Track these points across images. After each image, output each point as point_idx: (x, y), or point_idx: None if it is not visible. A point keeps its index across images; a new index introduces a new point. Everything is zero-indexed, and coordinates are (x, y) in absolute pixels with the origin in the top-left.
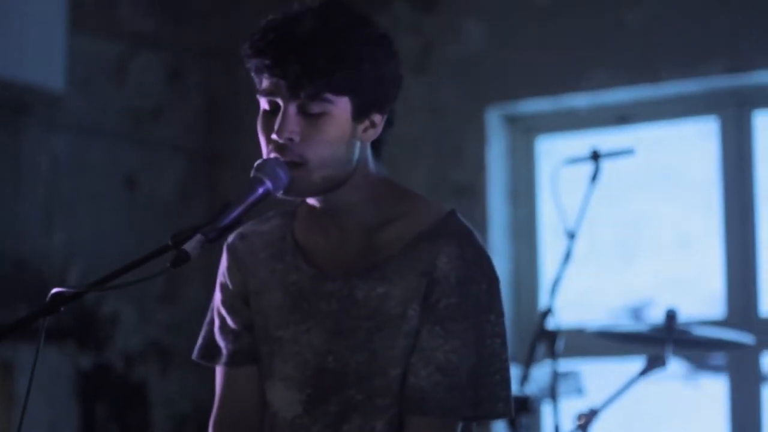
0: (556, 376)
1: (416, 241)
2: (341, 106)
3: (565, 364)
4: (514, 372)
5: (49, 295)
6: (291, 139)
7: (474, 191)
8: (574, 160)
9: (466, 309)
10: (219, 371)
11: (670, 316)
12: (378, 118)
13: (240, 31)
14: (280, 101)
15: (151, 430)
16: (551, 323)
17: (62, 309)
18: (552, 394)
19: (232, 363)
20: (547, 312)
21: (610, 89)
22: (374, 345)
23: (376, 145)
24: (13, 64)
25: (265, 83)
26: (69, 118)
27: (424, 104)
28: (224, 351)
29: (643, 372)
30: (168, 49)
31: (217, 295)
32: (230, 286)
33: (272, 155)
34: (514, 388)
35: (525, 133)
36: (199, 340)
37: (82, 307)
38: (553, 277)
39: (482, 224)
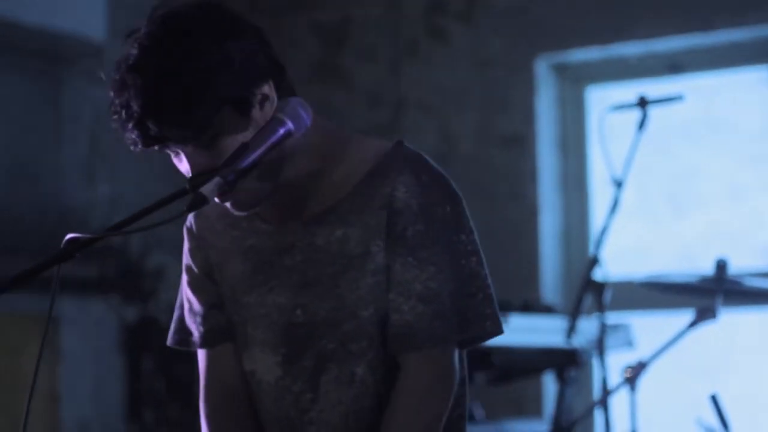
0: (603, 329)
1: (368, 177)
2: (224, 117)
3: (615, 317)
4: (562, 324)
5: (64, 240)
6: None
7: (523, 142)
8: (621, 107)
9: (434, 234)
10: (199, 353)
11: (721, 266)
12: (265, 89)
13: None
14: (173, 149)
15: (197, 383)
16: (598, 274)
17: (78, 255)
18: (600, 346)
19: (206, 343)
20: (594, 262)
21: (660, 37)
22: (340, 290)
23: (287, 94)
24: (52, 13)
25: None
26: (112, 69)
27: (472, 54)
28: (196, 333)
29: (693, 324)
30: None
31: (184, 278)
32: (194, 267)
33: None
34: (561, 341)
35: (574, 83)
36: (172, 326)
37: (128, 260)
38: (601, 227)
39: (531, 175)
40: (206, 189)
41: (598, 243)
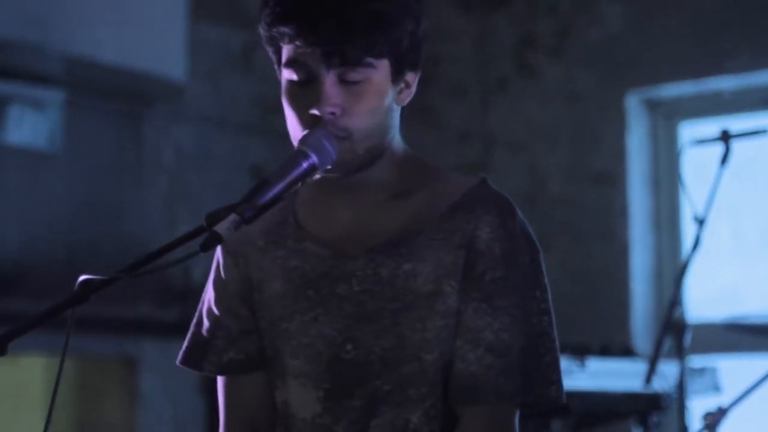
0: (683, 372)
1: (450, 211)
2: (382, 71)
3: (703, 360)
4: (645, 367)
5: (77, 282)
6: (333, 113)
7: (614, 179)
8: (702, 141)
9: (513, 283)
10: (221, 380)
11: None
12: (412, 78)
13: None
14: (314, 70)
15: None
16: (678, 315)
17: (91, 298)
18: (680, 391)
19: (232, 370)
20: (674, 303)
21: (755, 71)
22: (402, 328)
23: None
24: (132, 53)
25: (293, 52)
26: (193, 109)
27: (562, 90)
28: (220, 357)
29: None
30: None
31: (210, 294)
32: (226, 284)
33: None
34: (640, 386)
35: (667, 119)
36: (185, 343)
37: None
38: (681, 266)
39: (623, 213)
40: (221, 227)
41: (678, 283)
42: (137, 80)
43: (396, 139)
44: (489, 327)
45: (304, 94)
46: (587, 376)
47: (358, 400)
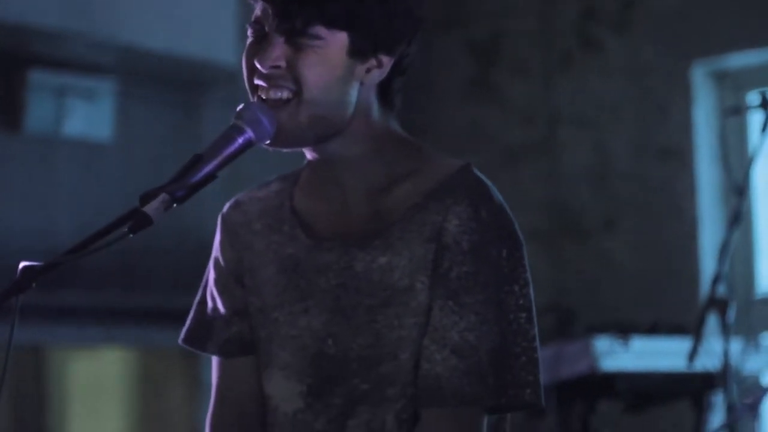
0: (727, 350)
1: (424, 201)
2: (336, 43)
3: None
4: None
5: (19, 269)
6: (277, 66)
7: (681, 154)
8: (738, 110)
9: (483, 278)
10: (214, 361)
11: None
12: (385, 60)
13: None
14: (267, 30)
15: None
16: (721, 291)
17: (34, 285)
18: (725, 369)
19: (224, 353)
20: (717, 280)
21: None
22: (378, 325)
23: (387, 95)
24: (183, 40)
25: (256, 12)
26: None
27: (626, 63)
28: (216, 338)
29: None
30: None
31: (210, 273)
32: (222, 263)
33: (259, 90)
34: (685, 364)
35: (735, 90)
36: (187, 322)
37: None
38: (722, 241)
39: (690, 189)
40: (150, 208)
41: (720, 258)
42: (189, 67)
43: (366, 118)
44: (455, 326)
45: (256, 51)
46: (632, 355)
47: (338, 397)
